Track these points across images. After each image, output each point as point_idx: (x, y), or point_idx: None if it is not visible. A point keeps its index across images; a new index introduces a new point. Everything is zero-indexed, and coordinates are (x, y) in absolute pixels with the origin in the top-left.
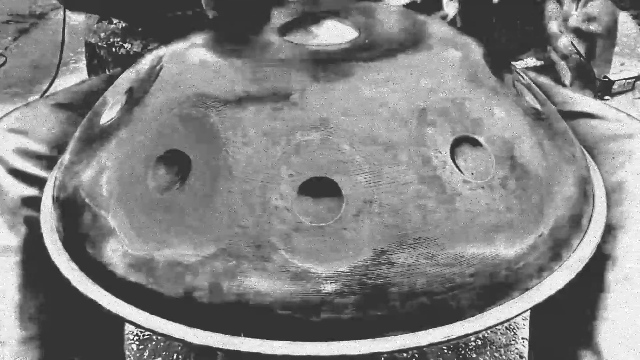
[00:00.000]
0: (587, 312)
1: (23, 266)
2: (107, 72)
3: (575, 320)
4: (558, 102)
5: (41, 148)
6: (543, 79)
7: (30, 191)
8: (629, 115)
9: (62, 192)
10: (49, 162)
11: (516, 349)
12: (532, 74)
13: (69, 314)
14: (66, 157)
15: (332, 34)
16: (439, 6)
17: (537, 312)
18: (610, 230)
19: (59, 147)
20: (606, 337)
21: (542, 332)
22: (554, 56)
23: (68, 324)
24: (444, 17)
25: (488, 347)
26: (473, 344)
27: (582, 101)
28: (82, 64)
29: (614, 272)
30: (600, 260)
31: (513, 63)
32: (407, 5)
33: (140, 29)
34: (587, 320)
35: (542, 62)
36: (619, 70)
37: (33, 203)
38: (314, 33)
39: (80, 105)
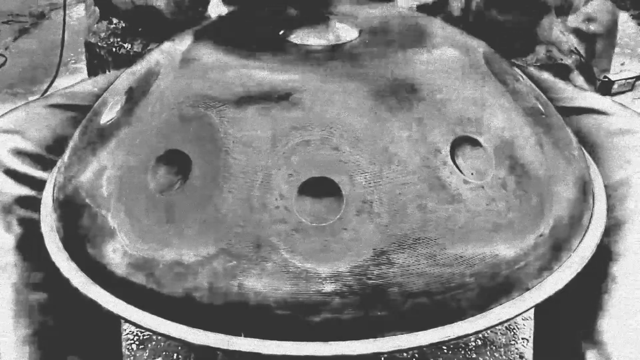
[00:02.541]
0: (592, 307)
1: (18, 266)
2: (107, 72)
3: (579, 315)
4: (562, 98)
5: (36, 148)
6: (546, 75)
7: (25, 191)
8: (634, 111)
9: (62, 192)
10: (44, 162)
11: (516, 349)
12: (535, 70)
13: (66, 313)
14: (66, 157)
15: (333, 34)
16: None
17: (542, 308)
18: (615, 225)
19: (55, 147)
20: (610, 332)
21: (546, 326)
22: (557, 54)
23: (65, 324)
24: (447, 13)
25: (488, 347)
26: (473, 344)
27: (587, 96)
28: (82, 64)
29: (619, 267)
30: (605, 255)
31: (512, 61)
32: (418, 7)
33: (140, 29)
34: (592, 315)
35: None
36: (619, 70)
37: (28, 203)
38: (314, 33)
39: (78, 105)
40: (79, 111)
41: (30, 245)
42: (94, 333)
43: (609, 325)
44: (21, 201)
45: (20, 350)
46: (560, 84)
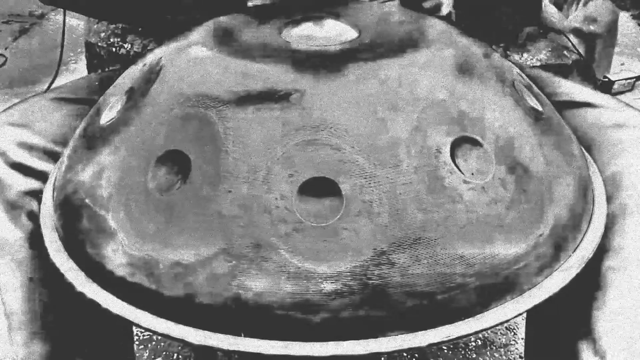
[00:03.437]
0: (585, 302)
1: (28, 260)
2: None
3: (572, 311)
4: (557, 93)
5: (42, 141)
6: (542, 72)
7: (33, 184)
8: (628, 105)
9: (62, 192)
10: (50, 155)
11: (516, 349)
12: (531, 67)
13: (76, 309)
14: (66, 157)
15: (332, 34)
16: None
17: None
18: (609, 220)
19: (61, 140)
20: (603, 327)
21: (539, 322)
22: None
23: (75, 320)
24: (437, 7)
25: (488, 347)
26: (473, 344)
27: (582, 91)
28: (82, 64)
29: (610, 262)
30: (599, 250)
31: (512, 60)
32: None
33: (140, 29)
34: (585, 310)
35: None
36: (619, 70)
37: (36, 196)
38: (314, 33)
39: (81, 99)
40: (84, 104)
41: (40, 240)
42: (105, 332)
43: (601, 321)
44: (30, 195)
45: (31, 346)
46: (555, 79)
